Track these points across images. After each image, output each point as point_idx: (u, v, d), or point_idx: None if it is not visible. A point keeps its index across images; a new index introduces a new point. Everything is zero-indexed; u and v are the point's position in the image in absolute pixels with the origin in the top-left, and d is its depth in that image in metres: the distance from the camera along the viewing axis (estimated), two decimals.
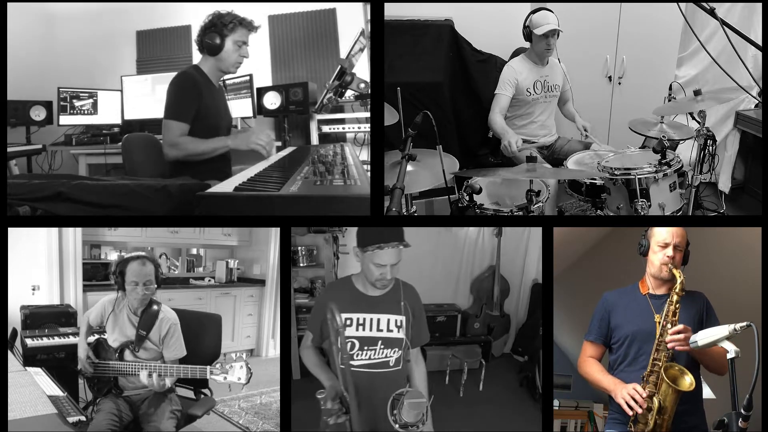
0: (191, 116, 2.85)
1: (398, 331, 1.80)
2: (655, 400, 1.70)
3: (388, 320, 1.79)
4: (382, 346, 1.79)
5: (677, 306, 1.78)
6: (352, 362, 1.71)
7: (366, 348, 1.77)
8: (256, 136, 2.93)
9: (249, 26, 2.98)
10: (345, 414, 1.59)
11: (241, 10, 3.02)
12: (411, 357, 1.87)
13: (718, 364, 1.78)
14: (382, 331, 1.79)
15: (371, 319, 1.79)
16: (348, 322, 1.77)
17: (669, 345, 1.74)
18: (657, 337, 1.78)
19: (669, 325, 1.76)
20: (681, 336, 1.71)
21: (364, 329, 1.78)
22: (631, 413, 1.73)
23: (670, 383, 1.68)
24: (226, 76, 3.38)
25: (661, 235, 1.86)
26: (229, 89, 4.72)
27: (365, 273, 1.78)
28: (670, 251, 1.83)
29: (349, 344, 1.74)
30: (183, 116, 2.83)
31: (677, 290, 1.78)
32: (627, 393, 1.74)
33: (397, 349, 1.81)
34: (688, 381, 1.68)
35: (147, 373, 2.06)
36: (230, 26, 2.89)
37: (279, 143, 4.47)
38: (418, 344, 1.89)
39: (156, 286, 2.23)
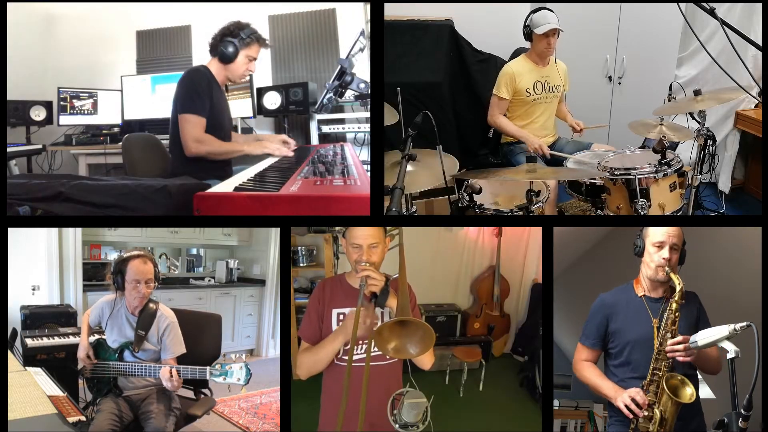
0: (207, 110, 2.85)
1: None
2: (657, 411, 1.69)
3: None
4: None
5: (677, 315, 1.74)
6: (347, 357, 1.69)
7: (362, 342, 1.75)
8: (269, 143, 3.14)
9: (263, 44, 3.05)
10: None
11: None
12: None
13: (712, 364, 1.79)
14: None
15: None
16: (341, 317, 1.77)
17: (669, 354, 1.72)
18: (656, 346, 1.76)
19: (669, 335, 1.73)
20: (681, 347, 1.69)
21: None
22: (631, 416, 1.73)
23: (671, 395, 1.67)
24: None
25: (656, 235, 1.81)
26: (229, 89, 4.71)
27: (348, 260, 1.79)
28: (666, 252, 1.78)
29: None
30: (201, 110, 2.83)
31: (677, 298, 1.73)
32: (628, 397, 1.74)
33: None
34: (689, 392, 1.67)
35: (168, 371, 2.05)
36: (247, 40, 2.95)
37: None
38: None
39: (156, 284, 2.23)
